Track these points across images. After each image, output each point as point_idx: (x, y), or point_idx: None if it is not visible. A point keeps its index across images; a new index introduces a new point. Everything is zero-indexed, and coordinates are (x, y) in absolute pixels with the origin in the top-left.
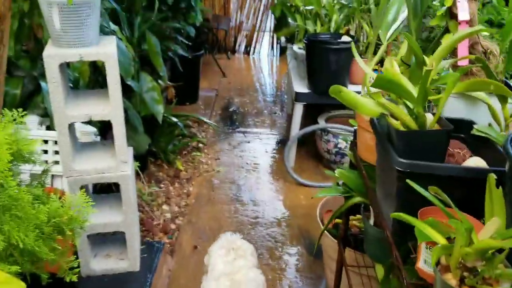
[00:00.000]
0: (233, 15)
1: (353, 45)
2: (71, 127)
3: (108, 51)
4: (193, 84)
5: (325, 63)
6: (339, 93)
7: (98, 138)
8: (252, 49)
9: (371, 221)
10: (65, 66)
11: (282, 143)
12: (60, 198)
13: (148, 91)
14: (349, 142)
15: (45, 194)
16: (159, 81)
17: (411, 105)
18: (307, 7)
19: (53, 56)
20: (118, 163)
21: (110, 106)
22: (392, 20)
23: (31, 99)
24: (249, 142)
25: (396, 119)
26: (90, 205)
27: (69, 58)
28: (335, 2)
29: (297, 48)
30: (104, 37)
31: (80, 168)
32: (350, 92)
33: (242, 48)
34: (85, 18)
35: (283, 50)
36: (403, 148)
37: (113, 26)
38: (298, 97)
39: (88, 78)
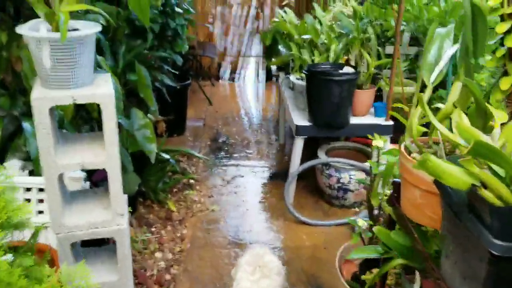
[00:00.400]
0: (217, 41)
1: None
2: (61, 177)
3: (104, 91)
4: (180, 115)
5: (327, 95)
6: (426, 162)
7: (87, 184)
8: (237, 75)
9: (416, 287)
10: (55, 109)
11: (277, 177)
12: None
13: (140, 128)
14: (356, 180)
15: (37, 264)
16: (149, 115)
17: (502, 173)
18: (303, 36)
19: (42, 99)
20: (113, 215)
21: (106, 153)
22: (434, 60)
23: (11, 141)
24: (242, 176)
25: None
26: (90, 277)
27: (61, 101)
28: (333, 31)
29: (295, 78)
30: (97, 75)
31: (71, 223)
32: (437, 160)
33: (227, 74)
34: (79, 55)
35: (268, 77)
36: (500, 227)
37: (98, 57)
38: (299, 130)
39: (72, 115)
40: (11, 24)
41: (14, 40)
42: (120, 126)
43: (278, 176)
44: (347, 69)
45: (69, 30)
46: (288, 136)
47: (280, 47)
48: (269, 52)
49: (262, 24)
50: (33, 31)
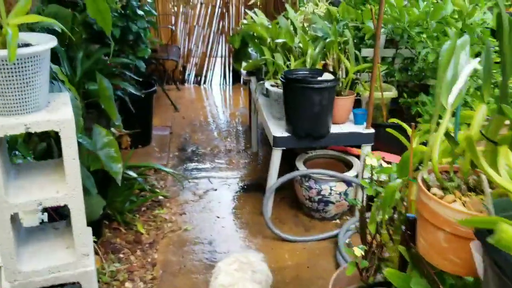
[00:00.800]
0: (181, 43)
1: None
2: (14, 217)
3: (63, 116)
4: (145, 124)
5: (307, 104)
6: (500, 233)
7: (45, 216)
8: (203, 78)
9: None
10: (5, 139)
11: (252, 188)
12: None
13: (104, 147)
14: (341, 193)
15: None
16: (112, 129)
17: None
18: (277, 40)
19: None
20: (78, 256)
21: (67, 187)
22: (451, 78)
23: None
24: (215, 189)
25: None
26: None
27: (12, 130)
28: (308, 34)
29: (270, 85)
30: (53, 95)
31: (27, 269)
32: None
33: (192, 78)
34: (32, 76)
35: (236, 79)
36: None
37: (53, 66)
38: (277, 142)
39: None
40: None
41: None
42: (80, 144)
43: (253, 188)
44: (327, 76)
45: (19, 46)
46: (261, 143)
47: (250, 50)
48: (238, 55)
49: (228, 24)
50: None
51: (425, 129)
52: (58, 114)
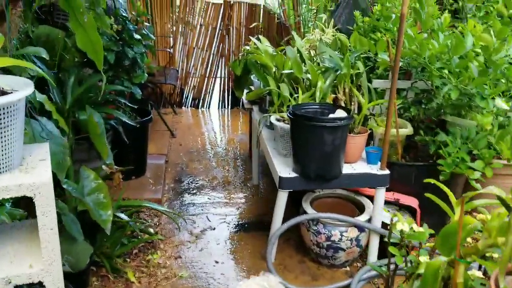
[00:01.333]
0: (179, 65)
1: None
2: None
3: (38, 180)
4: (140, 154)
5: (318, 143)
6: None
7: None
8: (200, 101)
9: None
10: None
11: (253, 227)
12: None
13: (92, 192)
14: (352, 239)
15: None
16: (103, 166)
17: None
18: (284, 71)
19: None
20: None
21: (43, 261)
22: None
23: None
24: (214, 228)
25: None
26: None
27: None
28: (317, 65)
29: (275, 119)
30: (31, 148)
31: None
32: None
33: (190, 101)
34: (3, 130)
35: (234, 103)
36: None
37: (39, 96)
38: (283, 183)
39: None
40: None
41: None
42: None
43: (254, 226)
44: (339, 113)
45: None
46: (262, 175)
47: (252, 77)
48: (239, 82)
49: (228, 46)
50: None
51: (470, 195)
52: (34, 175)
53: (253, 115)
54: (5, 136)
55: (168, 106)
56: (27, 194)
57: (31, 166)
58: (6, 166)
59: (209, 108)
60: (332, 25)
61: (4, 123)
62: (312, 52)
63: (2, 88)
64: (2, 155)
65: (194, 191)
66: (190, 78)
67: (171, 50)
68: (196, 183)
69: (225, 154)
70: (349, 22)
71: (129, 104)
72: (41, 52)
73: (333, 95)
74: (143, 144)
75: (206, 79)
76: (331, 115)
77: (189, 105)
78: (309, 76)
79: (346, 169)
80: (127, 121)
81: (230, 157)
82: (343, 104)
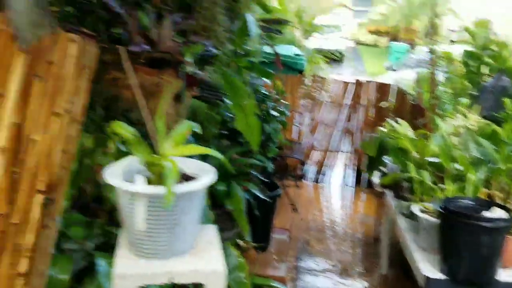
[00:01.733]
0: (304, 139)
1: None
2: None
3: (210, 267)
4: (266, 228)
5: (471, 244)
6: None
7: None
8: (321, 176)
9: None
10: None
11: None
12: None
13: (234, 271)
14: None
15: None
16: (240, 242)
17: None
18: (429, 159)
19: (129, 277)
20: None
21: None
22: None
23: (80, 281)
24: None
25: None
26: None
27: (154, 279)
28: (467, 154)
29: (419, 210)
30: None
31: None
32: None
33: (312, 174)
34: (182, 214)
35: (357, 180)
36: None
37: None
38: (431, 286)
39: None
40: (99, 124)
41: (100, 146)
42: None
43: None
44: (496, 211)
45: None
46: (391, 265)
47: (387, 160)
48: (372, 163)
49: (356, 124)
50: (127, 174)
51: None
52: (204, 260)
53: (387, 200)
54: (181, 220)
55: (290, 179)
56: (200, 280)
57: (201, 249)
58: (181, 250)
59: (330, 184)
60: (477, 111)
61: (185, 209)
62: (454, 139)
63: (185, 173)
64: (178, 237)
65: (317, 274)
66: (314, 152)
67: (301, 126)
68: (319, 266)
69: (348, 235)
70: (494, 108)
71: (261, 178)
72: (195, 127)
73: (486, 190)
74: (270, 218)
75: (329, 154)
76: (486, 213)
77: (311, 180)
78: (456, 166)
79: (502, 275)
80: (260, 195)
81: (353, 239)
82: (498, 201)
